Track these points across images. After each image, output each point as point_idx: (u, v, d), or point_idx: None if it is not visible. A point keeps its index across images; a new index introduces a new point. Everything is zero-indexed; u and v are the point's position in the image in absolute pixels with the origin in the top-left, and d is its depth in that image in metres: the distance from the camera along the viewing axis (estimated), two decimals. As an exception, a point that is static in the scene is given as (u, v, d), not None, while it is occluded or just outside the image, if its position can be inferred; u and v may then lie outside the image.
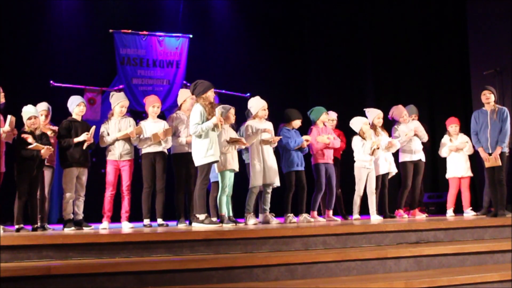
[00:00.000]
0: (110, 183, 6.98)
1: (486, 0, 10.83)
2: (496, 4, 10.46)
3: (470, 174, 8.41)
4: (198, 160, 6.46)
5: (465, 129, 8.77)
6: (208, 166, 6.45)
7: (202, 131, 6.35)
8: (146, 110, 7.42)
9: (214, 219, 6.75)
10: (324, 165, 7.75)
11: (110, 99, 7.21)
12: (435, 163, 10.89)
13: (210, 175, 6.59)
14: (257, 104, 7.22)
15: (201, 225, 6.31)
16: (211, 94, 6.55)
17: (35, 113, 6.52)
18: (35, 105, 6.90)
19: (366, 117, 8.11)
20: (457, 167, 8.38)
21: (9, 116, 6.36)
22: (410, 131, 8.20)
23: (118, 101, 7.13)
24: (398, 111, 8.38)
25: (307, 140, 7.37)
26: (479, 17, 10.95)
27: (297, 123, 7.54)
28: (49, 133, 6.81)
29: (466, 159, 8.40)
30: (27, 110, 6.51)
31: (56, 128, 6.94)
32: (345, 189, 8.57)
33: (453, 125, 8.50)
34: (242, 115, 7.61)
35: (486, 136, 7.28)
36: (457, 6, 11.59)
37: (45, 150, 6.37)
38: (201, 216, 6.40)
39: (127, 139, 7.02)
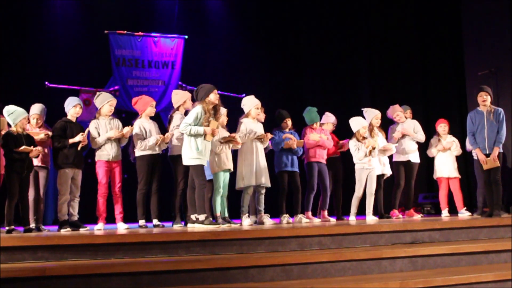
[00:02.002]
0: (102, 184, 6.95)
1: (481, 0, 10.86)
2: (491, 4, 10.48)
3: (457, 175, 8.39)
4: (185, 160, 6.48)
5: (460, 129, 8.81)
6: (201, 167, 6.43)
7: (190, 132, 6.35)
8: (137, 109, 7.35)
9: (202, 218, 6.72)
10: (316, 164, 7.76)
11: (95, 99, 7.13)
12: (430, 164, 10.90)
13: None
14: (250, 102, 7.22)
15: (201, 226, 6.30)
16: (213, 96, 6.50)
17: (25, 114, 6.51)
18: (29, 106, 6.90)
19: (364, 117, 8.13)
20: (444, 168, 8.39)
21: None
22: (397, 132, 8.22)
23: (108, 100, 7.09)
24: (392, 110, 8.44)
25: (289, 138, 7.37)
26: (474, 17, 10.97)
27: (288, 122, 7.55)
28: (41, 136, 6.77)
29: (453, 160, 8.40)
30: (18, 114, 6.44)
31: (49, 132, 6.90)
32: (342, 190, 8.57)
33: (442, 125, 8.50)
34: (237, 116, 7.61)
35: (483, 137, 7.29)
36: (451, 6, 11.62)
37: (33, 152, 6.36)
38: (201, 217, 6.38)
39: (117, 140, 7.00)
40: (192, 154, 6.39)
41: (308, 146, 7.74)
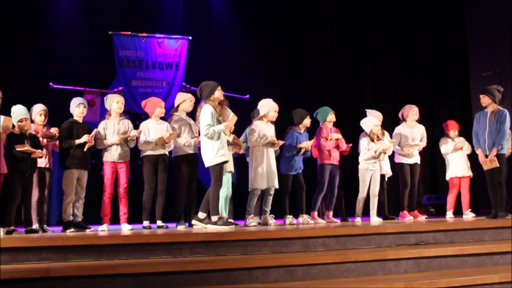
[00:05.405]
0: (108, 185, 6.97)
1: (485, 1, 10.84)
2: (495, 5, 10.47)
3: (470, 174, 8.40)
4: (209, 161, 6.41)
5: (464, 131, 8.79)
6: (220, 167, 6.42)
7: (214, 133, 6.34)
8: (147, 111, 7.39)
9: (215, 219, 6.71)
10: (329, 166, 7.74)
11: (105, 102, 7.20)
12: (434, 165, 10.90)
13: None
14: (269, 105, 7.24)
15: (214, 227, 6.31)
16: (218, 93, 6.53)
17: (26, 115, 6.45)
18: (32, 107, 6.91)
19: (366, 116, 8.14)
20: (457, 167, 8.39)
21: (2, 117, 6.30)
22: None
23: (113, 98, 7.14)
24: (413, 112, 8.43)
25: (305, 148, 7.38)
26: (478, 18, 10.97)
27: (306, 122, 7.53)
28: (45, 140, 6.80)
29: (466, 159, 8.40)
30: (18, 112, 6.41)
31: (53, 131, 6.91)
32: (346, 190, 8.55)
33: (456, 130, 8.50)
34: (241, 116, 7.61)
35: (484, 137, 7.29)
36: (456, 7, 11.61)
37: (35, 154, 6.35)
38: (214, 218, 6.38)
39: (124, 141, 7.01)
40: (215, 154, 6.37)
41: (326, 147, 7.71)
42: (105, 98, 7.32)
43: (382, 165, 8.10)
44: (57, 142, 6.85)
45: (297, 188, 7.42)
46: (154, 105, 7.28)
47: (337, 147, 7.81)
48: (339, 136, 7.77)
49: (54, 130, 6.82)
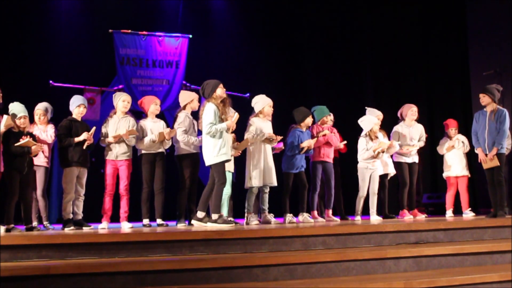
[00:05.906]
0: (108, 183, 6.98)
1: (486, 1, 10.83)
2: (495, 5, 10.46)
3: (466, 173, 8.39)
4: (210, 159, 6.37)
5: (464, 130, 8.79)
6: (223, 165, 6.40)
7: (217, 131, 6.31)
8: (143, 109, 7.38)
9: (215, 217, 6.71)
10: (320, 164, 7.73)
11: (113, 99, 7.22)
12: (434, 164, 10.89)
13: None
14: (263, 101, 7.22)
15: (214, 225, 6.30)
16: (220, 91, 6.51)
17: (24, 112, 6.46)
18: (34, 105, 6.91)
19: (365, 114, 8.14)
20: (453, 167, 8.40)
21: (5, 116, 6.31)
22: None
23: (120, 96, 7.15)
24: (412, 112, 8.42)
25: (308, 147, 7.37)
26: (479, 18, 10.96)
27: (308, 121, 7.51)
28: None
29: (462, 158, 8.40)
30: (17, 110, 6.41)
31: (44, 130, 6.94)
32: (345, 189, 8.56)
33: (454, 128, 8.51)
34: (241, 115, 7.61)
35: (484, 137, 7.29)
36: (457, 6, 11.60)
37: (36, 147, 6.34)
38: (214, 216, 6.38)
39: (119, 139, 7.01)
40: (217, 152, 6.33)
41: (317, 144, 7.70)
42: (113, 95, 7.34)
43: (388, 163, 8.11)
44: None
45: (299, 186, 7.41)
46: (149, 102, 7.30)
47: (329, 144, 7.78)
48: (327, 132, 7.74)
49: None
